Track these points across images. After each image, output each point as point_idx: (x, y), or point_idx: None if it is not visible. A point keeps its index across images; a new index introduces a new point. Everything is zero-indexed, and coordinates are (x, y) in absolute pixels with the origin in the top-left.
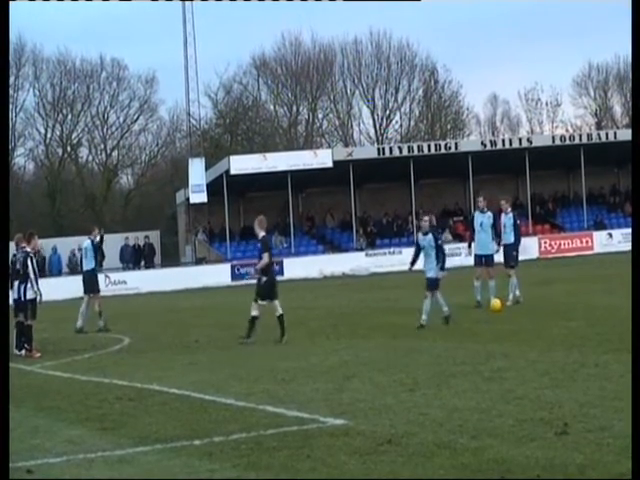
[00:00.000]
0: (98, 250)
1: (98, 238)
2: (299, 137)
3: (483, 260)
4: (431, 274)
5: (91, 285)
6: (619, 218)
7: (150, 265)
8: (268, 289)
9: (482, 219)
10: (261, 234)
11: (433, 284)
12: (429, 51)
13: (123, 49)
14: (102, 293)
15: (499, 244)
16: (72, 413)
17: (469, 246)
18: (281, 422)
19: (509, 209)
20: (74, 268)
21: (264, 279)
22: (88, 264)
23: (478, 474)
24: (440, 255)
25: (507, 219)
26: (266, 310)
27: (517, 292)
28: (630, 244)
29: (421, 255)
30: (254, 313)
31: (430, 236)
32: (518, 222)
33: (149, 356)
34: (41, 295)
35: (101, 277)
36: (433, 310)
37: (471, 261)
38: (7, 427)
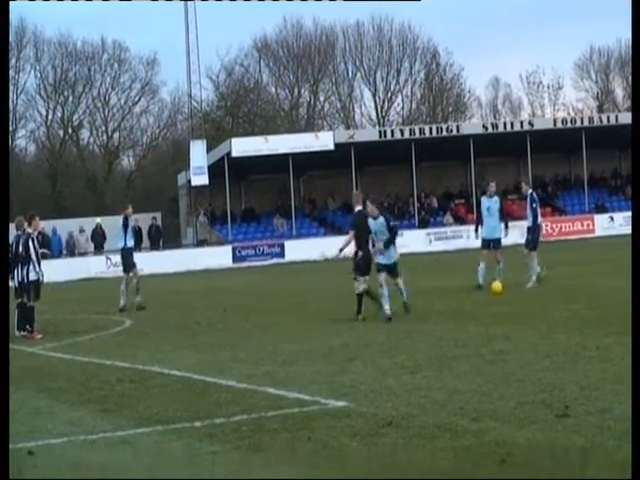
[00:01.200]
0: (128, 228)
1: (122, 218)
2: (300, 119)
3: (490, 244)
4: (385, 260)
5: (125, 263)
6: (620, 201)
7: (156, 247)
8: (366, 264)
9: (489, 204)
10: (356, 209)
11: (387, 269)
12: (431, 34)
13: (124, 31)
14: (104, 275)
15: (507, 228)
16: (73, 394)
17: (476, 230)
18: (282, 404)
19: (529, 191)
20: (72, 250)
21: (360, 254)
22: (119, 243)
23: (479, 456)
24: (393, 236)
25: (527, 201)
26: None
27: (533, 276)
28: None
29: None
30: (360, 289)
31: (381, 219)
32: (534, 205)
33: (150, 338)
34: (43, 276)
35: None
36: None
37: (471, 244)
38: (7, 409)
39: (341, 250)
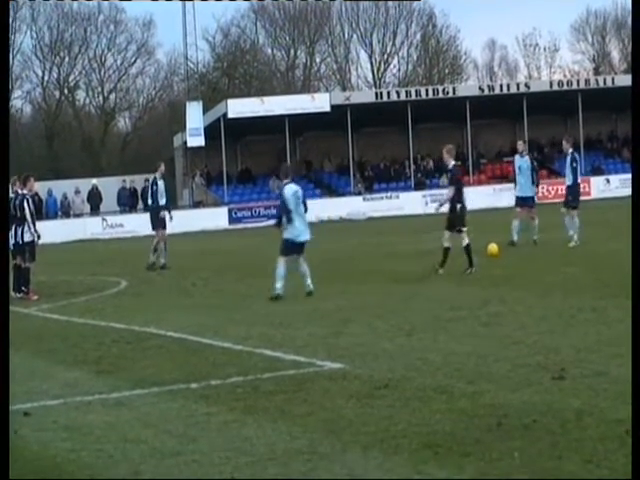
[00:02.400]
0: (157, 188)
1: (155, 176)
2: (297, 81)
3: (523, 202)
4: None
5: (151, 222)
6: (617, 164)
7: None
8: (463, 217)
9: (520, 163)
10: (451, 163)
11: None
12: None
13: None
14: (99, 236)
15: (537, 186)
16: (69, 356)
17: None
18: (278, 366)
19: (570, 150)
20: (67, 211)
21: (459, 206)
22: (148, 201)
23: (475, 419)
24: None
25: (567, 160)
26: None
27: (575, 235)
28: (629, 189)
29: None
30: (466, 241)
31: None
32: (575, 165)
33: (146, 299)
34: (39, 237)
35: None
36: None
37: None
38: (7, 370)
39: (442, 205)
